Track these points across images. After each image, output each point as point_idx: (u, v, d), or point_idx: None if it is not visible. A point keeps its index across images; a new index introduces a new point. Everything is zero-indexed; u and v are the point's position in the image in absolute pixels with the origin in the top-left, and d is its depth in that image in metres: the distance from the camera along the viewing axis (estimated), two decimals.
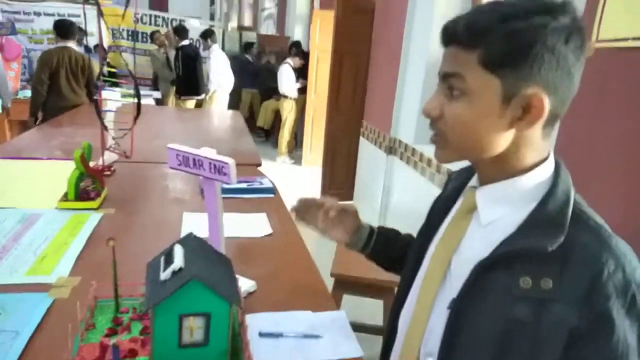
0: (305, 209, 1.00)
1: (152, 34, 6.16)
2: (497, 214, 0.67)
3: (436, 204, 0.86)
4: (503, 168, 0.66)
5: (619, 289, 0.58)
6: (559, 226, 0.60)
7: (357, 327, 1.32)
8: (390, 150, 3.27)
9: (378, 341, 2.03)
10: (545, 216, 0.62)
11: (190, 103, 5.38)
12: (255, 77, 6.81)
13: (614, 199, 1.38)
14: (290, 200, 1.64)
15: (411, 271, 0.82)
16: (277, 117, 6.56)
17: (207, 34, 5.49)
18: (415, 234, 0.90)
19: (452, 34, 0.63)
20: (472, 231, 0.71)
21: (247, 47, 6.93)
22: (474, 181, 0.75)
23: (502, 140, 0.64)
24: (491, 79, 0.60)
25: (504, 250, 0.62)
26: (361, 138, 3.99)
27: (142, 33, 6.69)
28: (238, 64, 6.86)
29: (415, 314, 0.76)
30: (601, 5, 1.41)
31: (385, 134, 3.35)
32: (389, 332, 0.86)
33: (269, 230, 1.34)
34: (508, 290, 0.61)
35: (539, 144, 0.66)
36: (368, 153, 3.80)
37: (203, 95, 5.43)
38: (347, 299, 1.96)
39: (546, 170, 0.66)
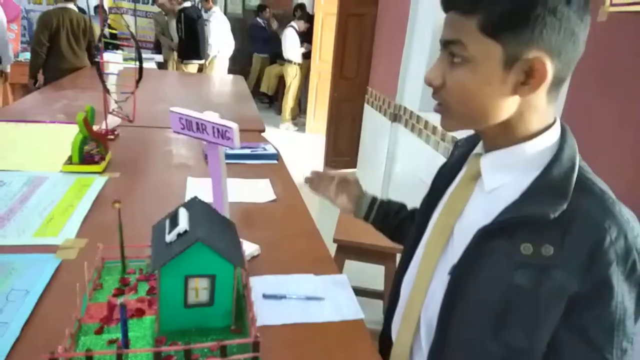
0: (318, 180, 1.11)
1: None
2: (501, 180, 0.67)
3: (441, 172, 0.86)
4: (508, 135, 0.66)
5: (620, 256, 0.58)
6: (563, 193, 0.60)
7: (359, 292, 1.34)
8: (395, 118, 3.24)
9: (379, 305, 2.08)
10: (549, 182, 0.61)
11: (193, 67, 5.30)
12: (266, 42, 6.67)
13: (622, 168, 1.37)
14: (293, 167, 1.64)
15: (415, 237, 0.83)
16: (281, 82, 6.47)
17: None
18: (419, 204, 0.91)
19: (451, 0, 0.62)
20: (475, 198, 0.71)
21: (259, 9, 6.74)
22: (479, 148, 0.74)
23: (506, 107, 0.63)
24: (492, 44, 0.59)
25: (506, 217, 0.62)
26: (366, 105, 3.95)
27: None
28: (249, 28, 6.74)
29: (417, 279, 0.77)
30: None
31: (390, 101, 3.31)
32: (391, 298, 0.88)
33: (273, 196, 1.35)
34: (509, 257, 0.62)
35: (544, 109, 0.65)
36: (372, 120, 3.77)
37: (203, 60, 5.34)
38: (349, 264, 1.99)
39: (552, 136, 0.65)
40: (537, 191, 0.62)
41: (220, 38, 5.27)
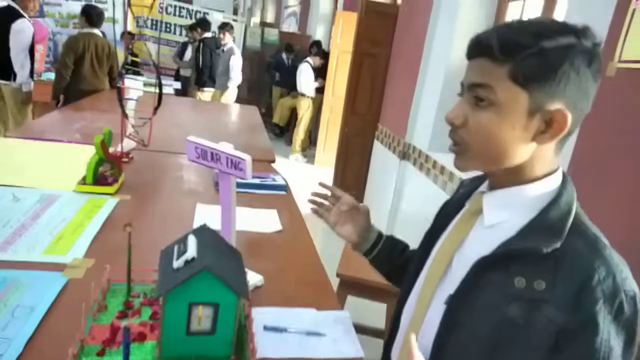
0: (322, 198, 1.05)
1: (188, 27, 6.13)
2: (500, 217, 0.70)
3: (444, 208, 0.88)
4: (514, 177, 0.70)
5: (607, 295, 0.60)
6: (557, 232, 0.64)
7: (359, 329, 1.32)
8: (404, 156, 3.27)
9: (379, 344, 2.04)
10: (545, 222, 0.65)
11: (209, 94, 5.42)
12: (287, 76, 6.81)
13: (628, 220, 1.38)
14: (301, 199, 1.65)
15: (415, 269, 0.85)
16: (293, 114, 6.59)
17: (225, 27, 5.43)
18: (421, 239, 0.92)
19: (485, 47, 0.65)
20: (475, 232, 0.74)
21: (287, 48, 6.90)
22: (483, 187, 0.78)
23: (523, 152, 0.67)
24: (520, 92, 0.64)
25: (502, 251, 0.66)
26: (375, 141, 4.00)
27: (166, 23, 6.76)
28: (272, 63, 6.98)
29: (415, 308, 0.79)
30: (626, 26, 1.41)
31: (400, 139, 3.35)
32: (391, 328, 0.89)
33: (279, 227, 1.36)
34: (503, 290, 0.64)
35: (551, 159, 0.69)
36: (381, 157, 3.80)
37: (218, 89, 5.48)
38: (351, 300, 1.98)
39: (553, 182, 0.69)
40: (534, 229, 0.66)
41: (240, 71, 5.38)
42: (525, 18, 0.68)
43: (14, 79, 3.63)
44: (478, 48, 0.67)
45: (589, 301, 0.60)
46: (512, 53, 0.63)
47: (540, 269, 0.63)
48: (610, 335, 0.60)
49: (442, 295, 0.73)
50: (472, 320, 0.67)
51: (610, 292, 0.60)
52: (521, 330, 0.62)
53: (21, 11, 3.60)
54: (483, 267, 0.67)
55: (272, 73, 6.99)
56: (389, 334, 0.90)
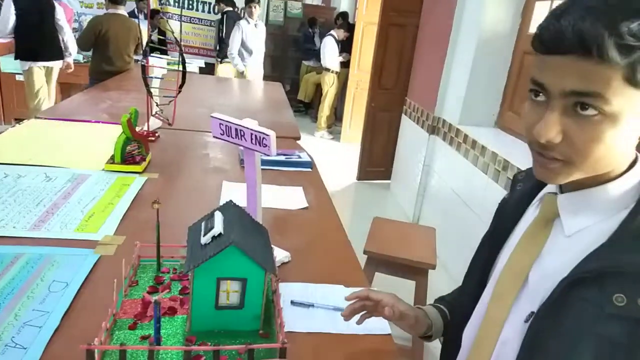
0: (359, 307, 0.83)
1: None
2: (583, 223, 0.61)
3: (504, 208, 0.78)
4: (598, 176, 0.59)
5: None
6: None
7: None
8: (433, 130, 3.20)
9: None
10: (639, 226, 0.56)
11: (227, 66, 5.43)
12: (314, 51, 6.73)
13: None
14: (327, 176, 1.64)
15: (478, 282, 0.76)
16: (318, 90, 6.52)
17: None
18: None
19: (590, 42, 0.50)
20: (554, 242, 0.65)
21: (310, 23, 6.81)
22: (552, 187, 0.67)
23: (628, 152, 0.58)
24: (636, 94, 0.52)
25: (596, 266, 0.56)
26: (403, 116, 3.92)
27: (189, 0, 6.73)
28: (301, 38, 6.88)
29: (484, 325, 0.71)
30: None
31: (428, 113, 3.28)
32: (450, 344, 0.81)
33: (305, 204, 1.36)
34: (598, 308, 0.56)
35: (635, 143, 0.59)
36: (409, 131, 3.74)
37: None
38: (379, 277, 1.97)
39: (636, 174, 0.60)
40: (627, 236, 0.56)
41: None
42: None
43: (64, 57, 3.90)
44: (574, 42, 0.51)
45: None
46: (631, 50, 0.48)
47: None
48: None
49: (518, 313, 0.65)
50: (561, 342, 0.58)
51: None
52: (624, 351, 0.54)
53: None
54: (572, 284, 0.57)
55: (304, 47, 6.84)
56: (448, 353, 0.81)
